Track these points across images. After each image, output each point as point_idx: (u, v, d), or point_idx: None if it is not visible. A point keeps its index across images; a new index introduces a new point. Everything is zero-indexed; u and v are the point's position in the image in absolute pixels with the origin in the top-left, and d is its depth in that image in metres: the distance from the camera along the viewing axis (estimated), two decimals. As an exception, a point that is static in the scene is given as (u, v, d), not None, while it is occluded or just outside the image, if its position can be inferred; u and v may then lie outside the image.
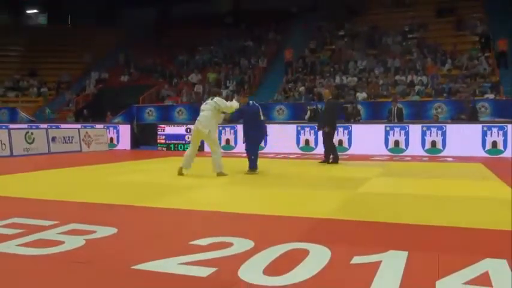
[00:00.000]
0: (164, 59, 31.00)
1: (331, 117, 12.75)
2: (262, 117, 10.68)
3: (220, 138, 18.38)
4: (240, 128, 17.72)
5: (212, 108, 9.71)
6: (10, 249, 3.96)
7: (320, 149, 17.07)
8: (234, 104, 10.07)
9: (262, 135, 10.99)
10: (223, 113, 10.13)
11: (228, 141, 18.36)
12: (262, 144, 17.51)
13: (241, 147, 17.54)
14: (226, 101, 10.50)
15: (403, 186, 8.68)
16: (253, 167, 10.27)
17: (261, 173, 10.37)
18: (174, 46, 31.61)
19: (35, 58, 33.34)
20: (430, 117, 19.32)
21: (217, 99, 10.00)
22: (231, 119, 11.15)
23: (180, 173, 9.73)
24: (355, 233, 4.73)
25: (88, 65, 32.91)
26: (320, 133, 13.63)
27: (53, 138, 17.05)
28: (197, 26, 32.31)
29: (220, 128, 18.24)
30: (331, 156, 12.73)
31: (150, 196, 7.08)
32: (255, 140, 10.59)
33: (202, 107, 9.96)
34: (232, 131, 18.34)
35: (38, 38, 35.51)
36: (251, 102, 10.69)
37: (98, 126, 20.70)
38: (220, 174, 9.63)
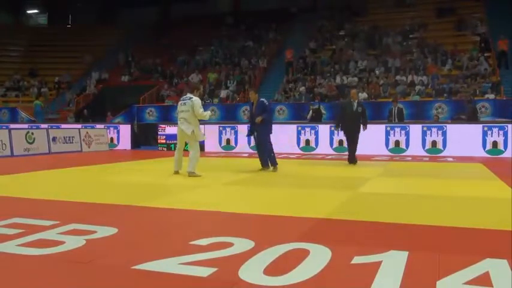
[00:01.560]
0: (164, 59, 31.03)
1: (365, 117, 12.72)
2: None
3: (220, 139, 18.39)
4: (241, 128, 17.76)
5: (190, 109, 9.68)
6: (11, 249, 3.96)
7: (320, 149, 17.17)
8: (207, 115, 9.98)
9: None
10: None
11: (228, 141, 18.35)
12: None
13: (241, 147, 17.66)
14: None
15: (403, 186, 8.68)
16: (275, 162, 10.68)
17: (261, 173, 10.38)
18: (175, 46, 31.64)
19: (35, 58, 33.39)
20: (431, 117, 19.33)
21: (194, 100, 9.74)
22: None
23: (177, 173, 9.92)
24: (356, 233, 4.73)
25: (88, 65, 32.92)
26: (332, 133, 13.38)
27: (54, 138, 17.05)
28: (197, 26, 32.35)
29: (221, 128, 18.25)
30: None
31: (151, 196, 7.08)
32: (269, 138, 10.81)
33: (181, 108, 9.84)
34: (232, 131, 18.32)
35: (38, 38, 35.55)
36: (263, 99, 10.89)
37: (98, 126, 20.70)
38: (192, 174, 9.54)
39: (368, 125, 12.70)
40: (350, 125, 12.55)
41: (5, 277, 3.40)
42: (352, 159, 12.64)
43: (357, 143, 12.66)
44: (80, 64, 33.28)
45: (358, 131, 12.53)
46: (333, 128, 13.06)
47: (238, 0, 35.80)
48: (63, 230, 4.62)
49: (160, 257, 3.69)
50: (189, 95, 9.94)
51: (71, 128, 19.52)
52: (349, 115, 12.47)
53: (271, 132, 10.86)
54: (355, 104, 12.51)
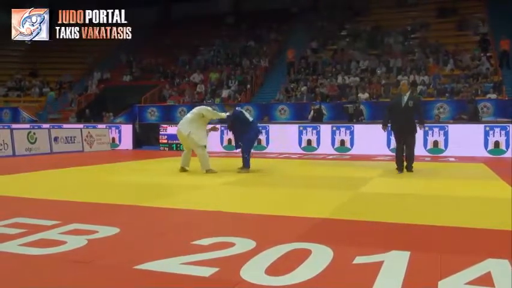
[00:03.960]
0: (166, 59, 31.02)
1: (422, 113, 10.80)
2: (250, 118, 10.84)
3: (222, 138, 18.38)
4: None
5: (196, 113, 10.19)
6: (12, 249, 3.96)
7: (322, 149, 17.15)
8: (222, 113, 10.56)
9: (256, 134, 11.02)
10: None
11: (230, 141, 18.34)
12: (264, 144, 17.59)
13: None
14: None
15: (405, 186, 8.66)
16: (247, 165, 10.38)
17: (263, 173, 10.39)
18: (176, 46, 31.63)
19: (36, 58, 33.33)
20: (432, 117, 19.29)
21: (204, 108, 10.45)
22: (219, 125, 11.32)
23: (183, 170, 10.30)
24: (358, 233, 4.72)
25: (90, 65, 32.91)
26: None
27: (55, 138, 17.07)
28: (199, 26, 32.35)
29: (223, 128, 18.25)
30: (405, 162, 10.48)
31: (152, 196, 7.09)
32: (250, 141, 10.66)
33: (189, 113, 10.50)
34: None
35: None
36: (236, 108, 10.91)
37: (100, 126, 20.73)
38: (209, 171, 10.00)
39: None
40: (401, 124, 10.33)
41: (7, 277, 3.41)
42: (409, 167, 10.39)
43: (412, 146, 10.41)
44: (81, 64, 33.24)
45: (413, 131, 10.37)
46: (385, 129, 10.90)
47: (239, 0, 35.78)
48: (65, 229, 4.62)
49: (162, 257, 3.69)
50: None
51: (73, 128, 19.55)
52: (399, 112, 10.29)
53: (247, 135, 10.53)
54: (406, 98, 10.27)
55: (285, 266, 3.47)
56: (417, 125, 10.46)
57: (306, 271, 3.38)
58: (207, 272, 3.37)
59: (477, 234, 4.68)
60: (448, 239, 4.49)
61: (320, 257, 3.71)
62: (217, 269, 3.41)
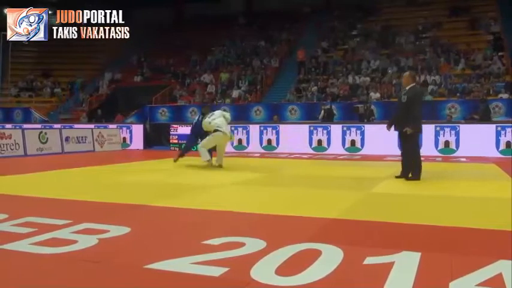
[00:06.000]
0: (177, 59, 31.08)
1: (415, 111, 8.64)
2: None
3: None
4: (252, 128, 17.81)
5: (226, 117, 11.57)
6: (23, 248, 3.98)
7: (333, 149, 17.10)
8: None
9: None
10: None
11: (240, 141, 18.36)
12: (275, 144, 17.65)
13: (253, 147, 17.73)
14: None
15: (416, 186, 8.60)
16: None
17: (273, 173, 10.37)
18: (187, 46, 31.67)
19: (48, 59, 33.53)
20: (444, 117, 19.19)
21: (226, 114, 11.81)
22: None
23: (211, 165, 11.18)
24: (368, 234, 4.71)
25: (101, 65, 33.05)
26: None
27: (67, 138, 17.16)
28: (210, 26, 32.39)
29: (232, 128, 18.27)
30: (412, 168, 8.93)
31: (163, 196, 7.10)
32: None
33: (219, 119, 11.35)
34: (244, 131, 18.35)
35: (51, 39, 35.73)
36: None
37: (111, 126, 20.82)
38: (220, 165, 11.11)
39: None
40: (398, 122, 8.90)
41: (18, 275, 3.43)
42: (403, 172, 9.02)
43: (408, 151, 8.93)
44: (93, 64, 33.43)
45: (409, 132, 8.63)
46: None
47: (250, 0, 35.79)
48: (76, 229, 4.64)
49: (172, 257, 3.70)
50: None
51: (84, 128, 19.64)
52: (398, 108, 9.13)
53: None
54: (404, 92, 8.92)
55: (295, 266, 3.47)
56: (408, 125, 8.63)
57: (316, 271, 3.37)
58: (217, 271, 3.37)
59: (488, 235, 4.64)
60: (459, 240, 4.46)
61: (330, 257, 3.70)
62: (227, 269, 3.42)
